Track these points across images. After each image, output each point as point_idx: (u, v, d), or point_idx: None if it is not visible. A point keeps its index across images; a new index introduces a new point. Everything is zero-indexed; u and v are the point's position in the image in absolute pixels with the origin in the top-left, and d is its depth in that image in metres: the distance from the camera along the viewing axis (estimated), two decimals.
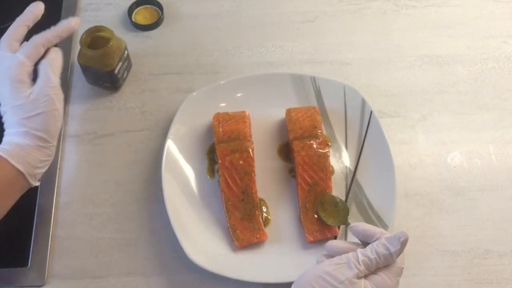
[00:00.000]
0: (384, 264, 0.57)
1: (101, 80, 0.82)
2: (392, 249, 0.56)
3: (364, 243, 0.59)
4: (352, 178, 0.77)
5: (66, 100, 0.84)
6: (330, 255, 0.59)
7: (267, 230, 0.73)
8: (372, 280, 0.56)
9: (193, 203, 0.75)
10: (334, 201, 0.73)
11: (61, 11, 0.92)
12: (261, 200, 0.75)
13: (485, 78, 0.87)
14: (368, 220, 0.73)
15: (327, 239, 0.72)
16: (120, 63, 0.80)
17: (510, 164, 0.80)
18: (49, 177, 0.77)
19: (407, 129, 0.82)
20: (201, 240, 0.72)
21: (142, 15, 0.92)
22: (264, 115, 0.81)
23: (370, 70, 0.87)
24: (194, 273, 0.71)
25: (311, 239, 0.72)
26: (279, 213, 0.75)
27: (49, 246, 0.73)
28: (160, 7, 0.91)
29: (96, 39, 0.80)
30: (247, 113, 0.79)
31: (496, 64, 0.88)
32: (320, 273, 0.56)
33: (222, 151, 0.75)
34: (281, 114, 0.81)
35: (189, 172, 0.77)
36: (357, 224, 0.60)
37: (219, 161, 0.75)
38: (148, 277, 0.71)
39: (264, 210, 0.75)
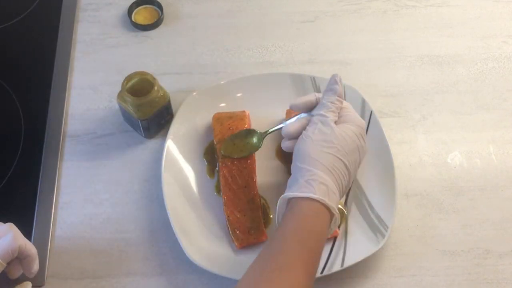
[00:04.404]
0: (341, 105, 0.67)
1: (132, 124, 0.80)
2: (336, 90, 0.67)
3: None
4: None
5: (66, 100, 0.84)
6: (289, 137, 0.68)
7: (267, 230, 0.73)
8: (344, 117, 0.67)
9: (193, 203, 0.75)
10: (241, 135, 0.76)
11: (61, 11, 0.92)
12: (262, 199, 0.75)
13: (485, 78, 0.87)
14: (368, 220, 0.73)
15: (327, 240, 0.72)
16: (154, 115, 0.76)
17: (510, 164, 0.80)
18: (49, 176, 0.77)
19: (407, 129, 0.82)
20: (201, 240, 0.72)
21: (142, 15, 0.92)
22: (264, 115, 0.81)
23: (370, 70, 0.87)
24: (194, 273, 0.71)
25: None
26: None
27: (49, 246, 0.73)
28: (160, 7, 0.91)
29: (140, 83, 0.75)
30: (247, 113, 0.79)
31: (496, 64, 0.89)
32: (310, 138, 0.64)
33: None
34: (281, 114, 0.81)
35: (189, 172, 0.77)
36: (294, 101, 0.69)
37: (220, 161, 0.75)
38: (148, 277, 0.71)
39: (265, 210, 0.75)
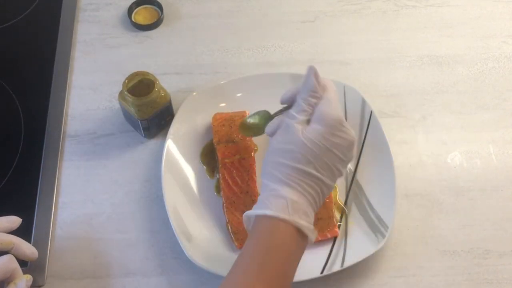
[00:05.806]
0: (317, 100, 0.61)
1: (132, 123, 0.80)
2: (309, 85, 0.61)
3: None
4: (352, 178, 0.77)
5: (66, 100, 0.84)
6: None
7: None
8: (315, 114, 0.60)
9: (193, 203, 0.75)
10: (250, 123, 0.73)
11: (61, 11, 0.92)
12: None
13: (485, 78, 0.87)
14: (368, 220, 0.73)
15: (327, 240, 0.72)
16: (154, 115, 0.76)
17: (510, 164, 0.80)
18: (49, 176, 0.77)
19: (407, 129, 0.82)
20: (201, 240, 0.72)
21: (142, 15, 0.92)
22: None
23: (370, 70, 0.87)
24: (194, 274, 0.71)
25: None
26: None
27: (49, 246, 0.73)
28: (160, 7, 0.91)
29: (141, 83, 0.75)
30: (247, 113, 0.79)
31: (496, 64, 0.89)
32: (272, 145, 0.62)
33: (223, 152, 0.75)
34: None
35: (189, 172, 0.77)
36: (283, 93, 0.65)
37: (220, 161, 0.75)
38: (148, 277, 0.71)
39: None
